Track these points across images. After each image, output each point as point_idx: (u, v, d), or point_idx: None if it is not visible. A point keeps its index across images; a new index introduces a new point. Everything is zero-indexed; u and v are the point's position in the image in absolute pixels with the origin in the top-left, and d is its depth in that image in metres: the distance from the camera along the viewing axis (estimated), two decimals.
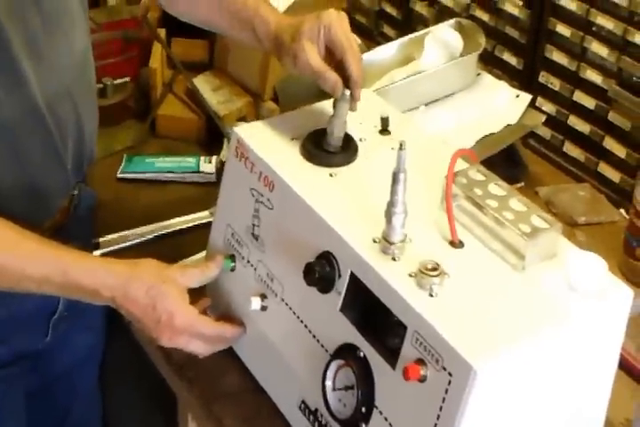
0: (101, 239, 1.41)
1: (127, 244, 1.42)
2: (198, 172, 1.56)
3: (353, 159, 1.05)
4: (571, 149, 1.65)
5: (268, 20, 1.09)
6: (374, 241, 0.94)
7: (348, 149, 1.05)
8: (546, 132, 1.67)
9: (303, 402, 1.07)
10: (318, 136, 1.05)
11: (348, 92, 1.03)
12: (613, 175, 1.59)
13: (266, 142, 1.06)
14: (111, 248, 1.40)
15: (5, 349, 1.19)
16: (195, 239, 1.42)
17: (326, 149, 1.04)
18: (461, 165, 1.00)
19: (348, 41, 1.05)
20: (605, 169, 1.61)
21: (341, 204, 0.99)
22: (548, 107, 1.64)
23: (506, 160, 1.56)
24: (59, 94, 1.08)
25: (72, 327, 1.29)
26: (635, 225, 1.41)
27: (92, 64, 1.16)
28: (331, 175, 1.03)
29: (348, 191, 1.01)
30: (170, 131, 1.64)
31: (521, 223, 0.92)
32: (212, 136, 1.64)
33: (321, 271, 0.96)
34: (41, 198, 1.12)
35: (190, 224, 1.46)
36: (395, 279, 0.90)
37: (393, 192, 0.88)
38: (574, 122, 1.62)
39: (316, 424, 1.06)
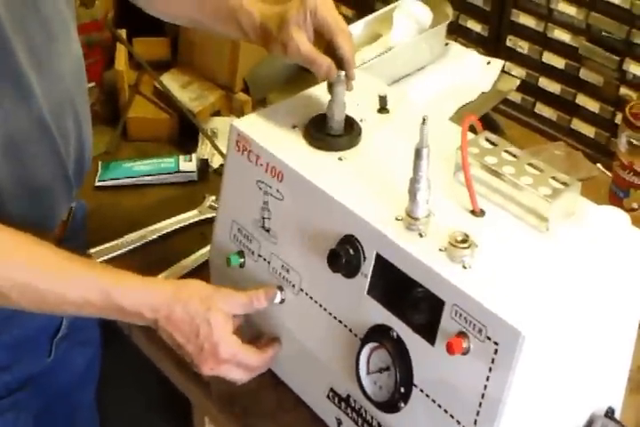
0: (93, 250, 1.38)
1: (119, 252, 1.39)
2: (178, 172, 1.53)
3: (358, 141, 1.04)
4: (543, 109, 1.67)
5: (253, 11, 1.07)
6: (397, 219, 0.93)
7: (352, 131, 1.04)
8: (516, 96, 1.68)
9: (332, 390, 1.07)
10: (320, 121, 1.04)
11: (342, 73, 1.02)
12: (588, 130, 1.61)
13: (268, 133, 1.05)
14: (104, 258, 1.37)
15: (11, 375, 1.16)
16: (186, 240, 1.41)
17: (330, 133, 1.03)
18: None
19: (336, 21, 1.03)
20: (579, 125, 1.63)
21: (356, 186, 0.98)
22: (518, 71, 1.66)
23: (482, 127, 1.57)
24: (62, 103, 1.05)
25: (71, 344, 1.27)
26: (620, 177, 1.43)
27: (84, 69, 1.14)
28: (340, 159, 1.02)
29: (359, 173, 1.00)
30: (142, 133, 1.61)
31: (540, 186, 0.93)
32: (184, 134, 1.61)
33: (346, 256, 0.95)
34: (47, 211, 1.10)
35: (180, 225, 1.44)
36: (426, 255, 0.89)
37: (416, 168, 0.87)
38: (545, 83, 1.64)
39: (349, 410, 1.05)
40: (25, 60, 0.98)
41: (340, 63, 1.03)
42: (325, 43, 1.04)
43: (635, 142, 1.37)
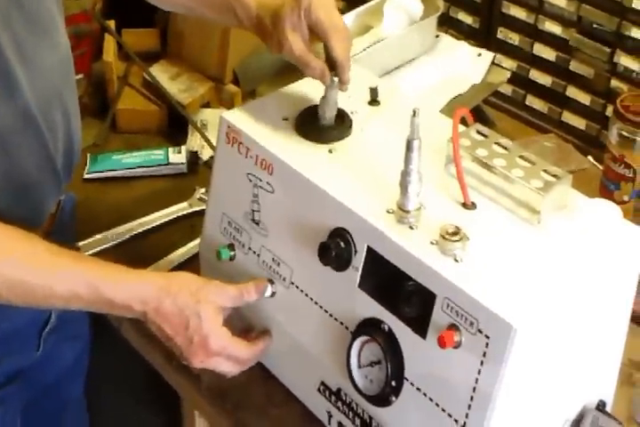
0: (81, 243, 1.37)
1: (107, 245, 1.38)
2: (168, 164, 1.52)
3: (349, 133, 1.04)
4: (533, 101, 1.66)
5: (249, 3, 1.05)
6: (388, 212, 0.92)
7: (342, 123, 1.04)
8: (507, 89, 1.68)
9: (323, 384, 1.06)
10: (311, 113, 1.03)
11: (336, 79, 1.01)
12: (578, 123, 1.61)
13: (258, 125, 1.04)
14: (92, 250, 1.36)
15: (0, 369, 1.15)
16: (175, 233, 1.40)
17: (321, 125, 1.02)
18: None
19: (331, 21, 1.00)
20: (569, 117, 1.62)
21: (346, 178, 0.97)
22: (508, 63, 1.65)
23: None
24: (49, 96, 1.04)
25: (60, 338, 1.26)
26: (611, 169, 1.43)
27: (72, 63, 1.12)
28: (330, 151, 1.01)
29: (350, 165, 0.99)
30: (131, 125, 1.60)
31: (532, 179, 0.92)
32: (174, 126, 1.60)
33: (336, 249, 0.95)
34: (35, 205, 1.08)
35: (169, 218, 1.43)
36: (417, 248, 0.89)
37: (407, 160, 0.87)
38: (536, 75, 1.63)
39: (340, 404, 1.05)
40: (12, 55, 0.96)
41: (334, 66, 1.01)
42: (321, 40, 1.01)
43: (625, 135, 1.37)
